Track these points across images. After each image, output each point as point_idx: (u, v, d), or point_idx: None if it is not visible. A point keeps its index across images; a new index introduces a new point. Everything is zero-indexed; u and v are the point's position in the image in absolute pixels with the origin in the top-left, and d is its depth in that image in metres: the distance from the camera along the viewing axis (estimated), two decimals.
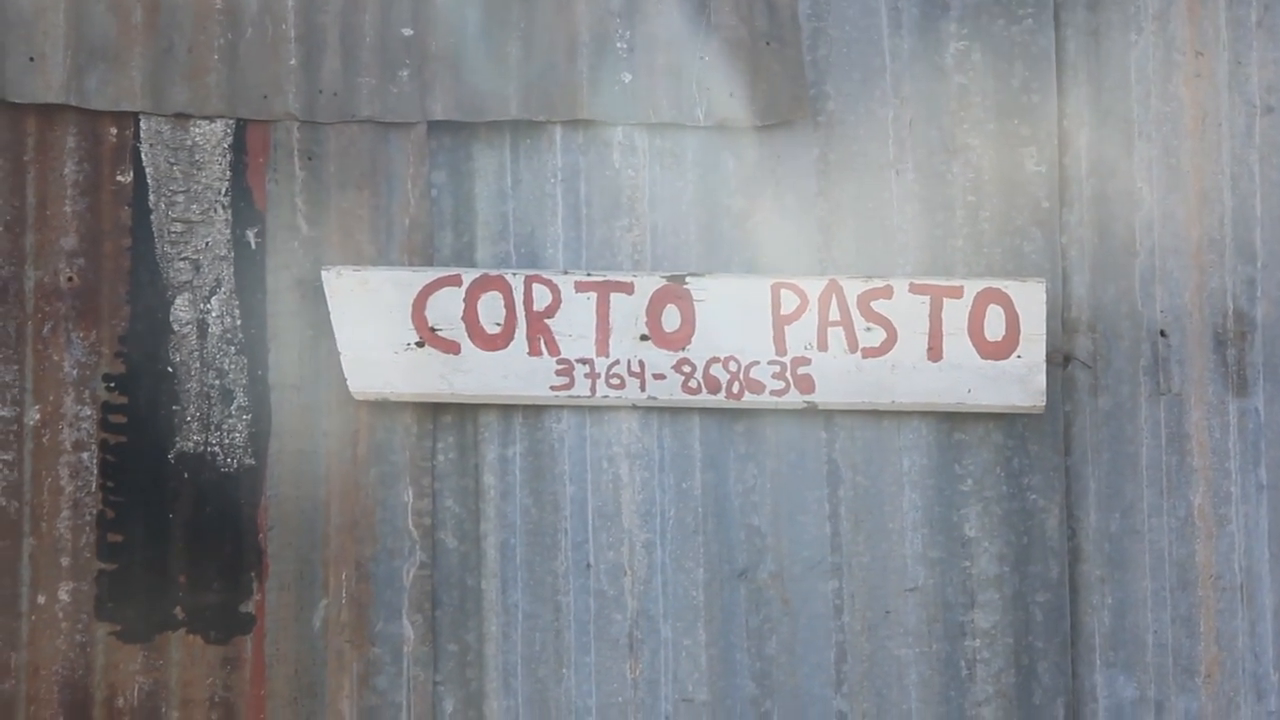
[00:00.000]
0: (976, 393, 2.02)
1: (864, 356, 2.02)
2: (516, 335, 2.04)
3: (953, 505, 2.04)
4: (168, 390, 2.05)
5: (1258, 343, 2.03)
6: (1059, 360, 2.04)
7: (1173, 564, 2.02)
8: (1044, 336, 1.97)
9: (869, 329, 2.02)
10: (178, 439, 2.04)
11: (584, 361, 2.04)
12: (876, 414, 2.05)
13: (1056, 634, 2.02)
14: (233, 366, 2.05)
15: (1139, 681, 2.01)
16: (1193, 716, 2.01)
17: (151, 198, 2.05)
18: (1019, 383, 2.00)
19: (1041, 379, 1.99)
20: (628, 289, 2.04)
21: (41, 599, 2.02)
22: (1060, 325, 2.04)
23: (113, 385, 2.04)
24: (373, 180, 2.07)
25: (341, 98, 2.05)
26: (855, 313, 2.02)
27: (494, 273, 2.04)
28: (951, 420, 2.04)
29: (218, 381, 2.05)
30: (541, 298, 2.03)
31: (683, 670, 2.03)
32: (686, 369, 2.04)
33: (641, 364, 2.04)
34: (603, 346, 2.04)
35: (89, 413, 2.04)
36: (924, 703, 2.02)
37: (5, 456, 2.02)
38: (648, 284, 2.04)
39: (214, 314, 2.05)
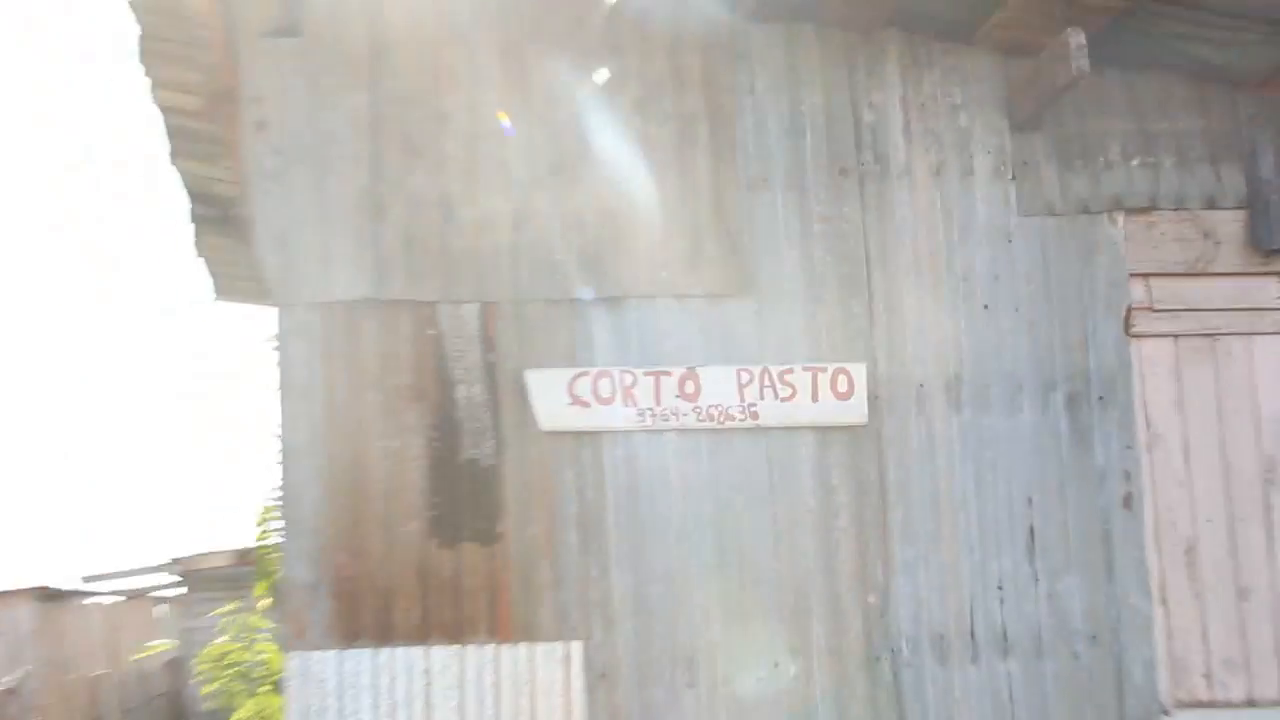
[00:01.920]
0: (835, 417, 4.34)
1: (782, 401, 4.34)
2: (618, 398, 4.33)
3: (825, 467, 4.34)
4: None
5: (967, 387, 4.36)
6: (872, 399, 4.36)
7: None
8: (865, 388, 4.30)
9: (784, 387, 4.34)
10: None
11: (649, 409, 4.34)
12: (789, 429, 4.35)
13: None
14: None
15: None
16: None
17: None
18: (855, 410, 4.33)
19: (865, 408, 4.31)
20: (669, 374, 4.34)
21: None
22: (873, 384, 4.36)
23: None
24: None
25: None
26: (777, 381, 4.34)
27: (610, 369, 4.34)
28: (824, 431, 4.35)
29: None
30: (626, 379, 4.33)
31: None
32: (698, 409, 4.34)
33: (675, 410, 4.34)
34: (659, 401, 4.34)
35: None
36: None
37: None
38: (679, 371, 4.34)
39: None
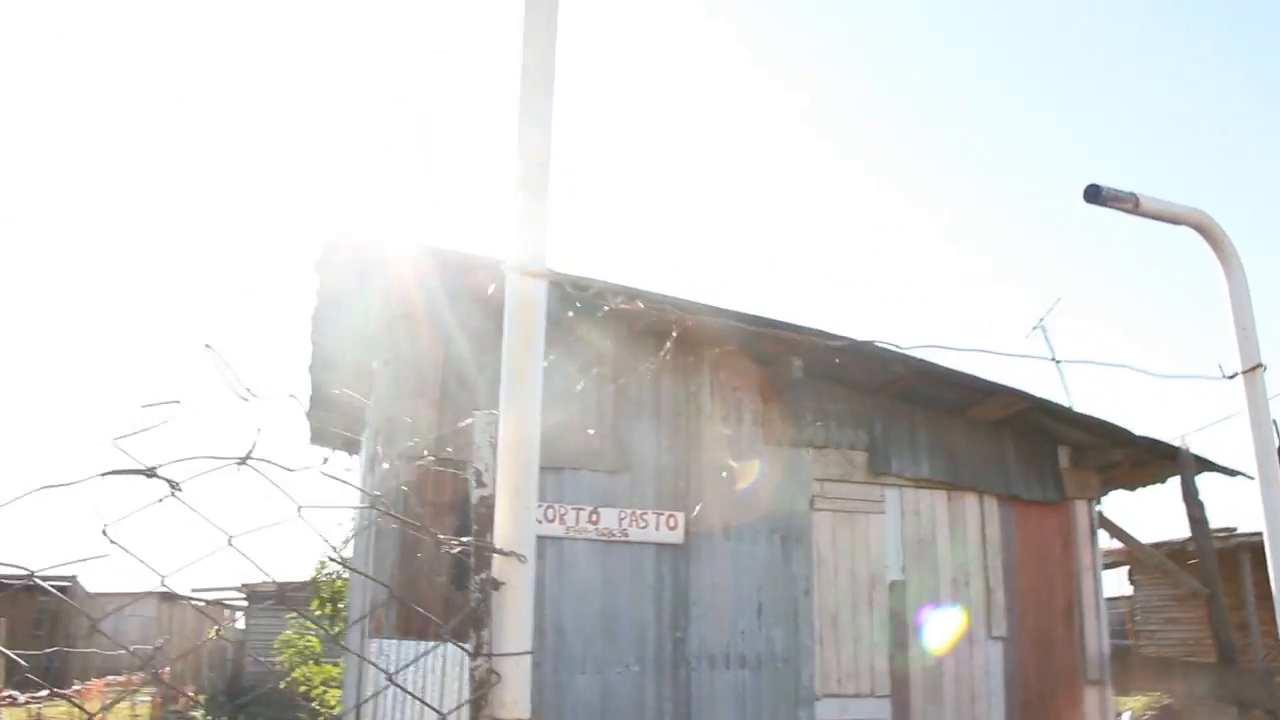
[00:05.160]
0: (667, 539, 8.50)
1: (640, 528, 8.48)
2: (555, 520, 8.36)
3: (660, 565, 8.46)
4: None
5: None
6: (687, 531, 8.56)
7: None
8: (683, 526, 8.50)
9: (643, 521, 8.49)
10: None
11: (571, 526, 8.37)
12: (643, 543, 8.46)
13: None
14: None
15: None
16: None
17: None
18: (678, 536, 8.50)
19: (683, 536, 8.49)
20: (583, 509, 8.42)
21: None
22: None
23: None
24: None
25: None
26: (639, 518, 8.49)
27: None
28: (660, 545, 8.49)
29: None
30: (560, 510, 8.38)
31: None
32: (598, 529, 8.39)
33: (584, 529, 8.39)
34: (576, 522, 8.38)
35: None
36: None
37: None
38: (589, 508, 8.43)
39: None
